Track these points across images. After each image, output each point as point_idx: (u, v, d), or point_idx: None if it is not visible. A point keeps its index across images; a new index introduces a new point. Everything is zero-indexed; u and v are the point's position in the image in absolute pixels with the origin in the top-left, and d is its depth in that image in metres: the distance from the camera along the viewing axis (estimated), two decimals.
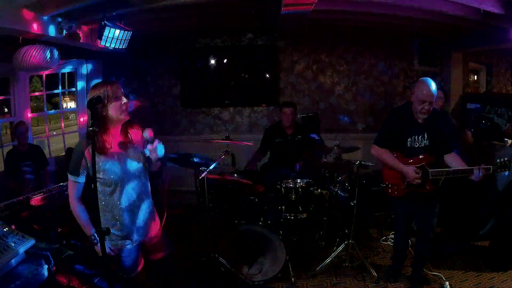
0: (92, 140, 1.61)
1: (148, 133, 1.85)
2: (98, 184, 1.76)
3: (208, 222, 3.20)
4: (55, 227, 2.85)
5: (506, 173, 2.45)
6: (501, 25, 3.49)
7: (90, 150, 1.74)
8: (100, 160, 1.78)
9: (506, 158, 2.36)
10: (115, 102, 1.80)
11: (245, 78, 5.04)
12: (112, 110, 1.80)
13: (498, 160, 2.38)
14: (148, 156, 1.88)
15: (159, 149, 1.82)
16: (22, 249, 1.94)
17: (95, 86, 1.85)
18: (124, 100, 1.84)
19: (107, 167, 1.79)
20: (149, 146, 1.81)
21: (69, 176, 1.82)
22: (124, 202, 1.86)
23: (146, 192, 1.99)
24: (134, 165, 1.90)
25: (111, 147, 1.82)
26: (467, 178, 2.48)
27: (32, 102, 5.10)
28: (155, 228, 2.07)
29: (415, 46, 5.07)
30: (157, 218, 2.12)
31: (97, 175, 1.76)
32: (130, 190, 1.87)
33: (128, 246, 1.89)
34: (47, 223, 2.78)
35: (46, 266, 2.00)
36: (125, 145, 1.89)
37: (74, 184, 1.80)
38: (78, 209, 1.81)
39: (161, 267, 2.11)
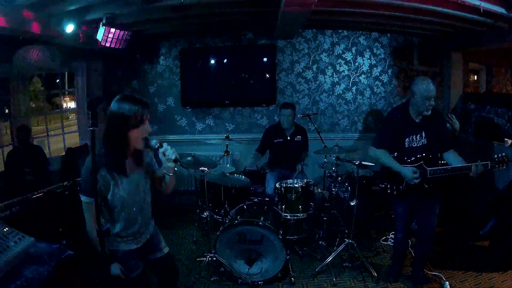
0: (93, 139, 1.60)
1: (155, 141, 1.77)
2: (101, 202, 1.76)
3: (208, 222, 3.21)
4: (55, 227, 2.85)
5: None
6: (501, 25, 3.49)
7: (105, 169, 1.71)
8: (112, 180, 1.74)
9: (503, 154, 2.37)
10: (141, 127, 1.72)
11: (245, 78, 5.04)
12: (136, 135, 1.72)
13: (496, 156, 2.39)
14: (161, 165, 1.83)
15: (169, 152, 1.75)
16: (22, 249, 1.94)
17: (127, 99, 1.71)
18: (148, 127, 1.76)
19: (116, 191, 1.76)
20: (161, 150, 1.74)
21: (83, 197, 1.71)
22: (125, 215, 1.85)
23: (147, 202, 1.97)
24: (141, 185, 1.89)
25: (126, 169, 1.78)
26: (466, 178, 2.48)
27: (32, 102, 5.10)
28: (152, 229, 2.07)
29: (415, 46, 5.07)
30: (152, 221, 2.10)
31: (107, 195, 1.75)
32: (132, 207, 1.86)
33: (125, 249, 1.89)
34: (47, 223, 2.78)
35: (46, 266, 2.00)
36: (135, 166, 1.86)
37: (91, 206, 1.65)
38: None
39: (161, 267, 2.11)
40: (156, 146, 1.76)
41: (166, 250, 2.10)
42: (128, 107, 1.68)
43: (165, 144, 1.76)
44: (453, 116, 3.50)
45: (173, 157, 1.74)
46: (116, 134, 1.70)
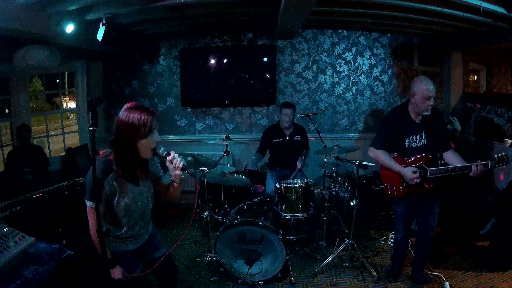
0: (93, 139, 1.59)
1: (162, 149, 1.76)
2: (105, 207, 1.77)
3: (208, 222, 3.21)
4: (55, 227, 2.85)
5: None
6: (501, 25, 3.49)
7: (112, 177, 1.72)
8: (119, 187, 1.75)
9: (503, 153, 2.37)
10: (149, 137, 1.71)
11: (245, 78, 5.04)
12: (144, 145, 1.71)
13: (496, 156, 2.39)
14: (168, 172, 1.83)
15: (176, 160, 1.73)
16: (22, 249, 1.94)
17: (136, 108, 1.70)
18: (157, 137, 1.75)
19: (122, 197, 1.77)
20: (168, 158, 1.73)
21: (89, 203, 1.72)
22: (127, 220, 1.85)
23: (149, 208, 1.97)
24: (145, 193, 1.89)
25: (137, 177, 1.79)
26: (466, 178, 2.48)
27: (32, 102, 5.11)
28: (150, 230, 2.07)
29: (415, 46, 5.07)
30: (151, 222, 2.10)
31: (112, 202, 1.76)
32: (135, 213, 1.87)
33: (123, 249, 1.89)
34: (47, 223, 2.78)
35: (46, 266, 2.00)
36: (141, 173, 1.85)
37: (94, 210, 1.65)
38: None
39: (161, 267, 2.11)
40: (164, 154, 1.75)
41: (164, 250, 2.10)
42: (137, 117, 1.67)
43: (172, 152, 1.75)
44: (455, 118, 3.50)
45: (180, 165, 1.73)
46: (126, 144, 1.69)
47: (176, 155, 1.75)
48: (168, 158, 1.74)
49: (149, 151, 1.74)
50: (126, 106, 1.73)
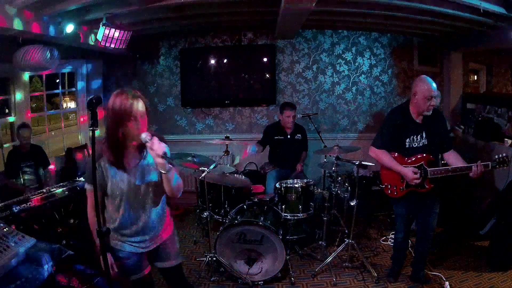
0: (92, 139, 1.58)
1: (144, 135, 1.68)
2: (101, 191, 1.78)
3: (208, 222, 3.21)
4: (55, 227, 2.85)
5: None
6: (501, 25, 3.49)
7: (104, 161, 1.74)
8: (110, 172, 1.75)
9: (504, 154, 2.37)
10: (134, 123, 1.68)
11: (245, 78, 5.04)
12: (128, 131, 1.69)
13: (496, 156, 2.39)
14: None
15: (156, 146, 1.64)
16: (22, 249, 1.94)
17: (120, 95, 1.70)
18: (139, 125, 1.70)
19: (114, 182, 1.76)
20: (148, 144, 1.66)
21: (86, 185, 1.82)
22: (127, 213, 1.81)
23: (152, 200, 1.87)
24: (142, 182, 1.82)
25: (124, 163, 1.77)
26: (466, 178, 2.48)
27: (32, 102, 5.10)
28: (165, 235, 1.99)
29: (415, 46, 5.07)
30: (169, 226, 2.02)
31: (106, 185, 1.77)
32: (135, 204, 1.82)
33: (128, 250, 1.85)
34: (47, 223, 2.78)
35: (46, 266, 2.00)
36: (138, 160, 1.82)
37: (91, 193, 1.70)
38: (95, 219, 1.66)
39: (168, 277, 2.07)
40: (145, 141, 1.68)
41: (175, 262, 2.02)
42: (119, 103, 1.67)
43: (154, 138, 1.68)
44: (462, 126, 3.51)
45: (161, 153, 1.63)
46: (111, 130, 1.69)
47: (156, 141, 1.67)
48: (148, 144, 1.66)
49: (136, 138, 1.72)
50: (116, 91, 1.74)
